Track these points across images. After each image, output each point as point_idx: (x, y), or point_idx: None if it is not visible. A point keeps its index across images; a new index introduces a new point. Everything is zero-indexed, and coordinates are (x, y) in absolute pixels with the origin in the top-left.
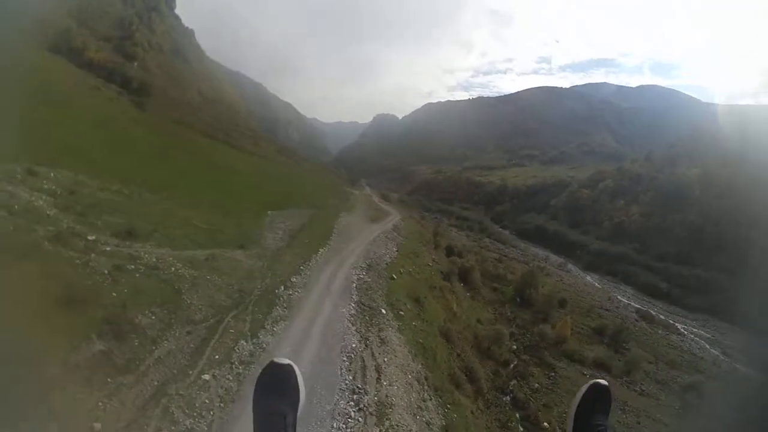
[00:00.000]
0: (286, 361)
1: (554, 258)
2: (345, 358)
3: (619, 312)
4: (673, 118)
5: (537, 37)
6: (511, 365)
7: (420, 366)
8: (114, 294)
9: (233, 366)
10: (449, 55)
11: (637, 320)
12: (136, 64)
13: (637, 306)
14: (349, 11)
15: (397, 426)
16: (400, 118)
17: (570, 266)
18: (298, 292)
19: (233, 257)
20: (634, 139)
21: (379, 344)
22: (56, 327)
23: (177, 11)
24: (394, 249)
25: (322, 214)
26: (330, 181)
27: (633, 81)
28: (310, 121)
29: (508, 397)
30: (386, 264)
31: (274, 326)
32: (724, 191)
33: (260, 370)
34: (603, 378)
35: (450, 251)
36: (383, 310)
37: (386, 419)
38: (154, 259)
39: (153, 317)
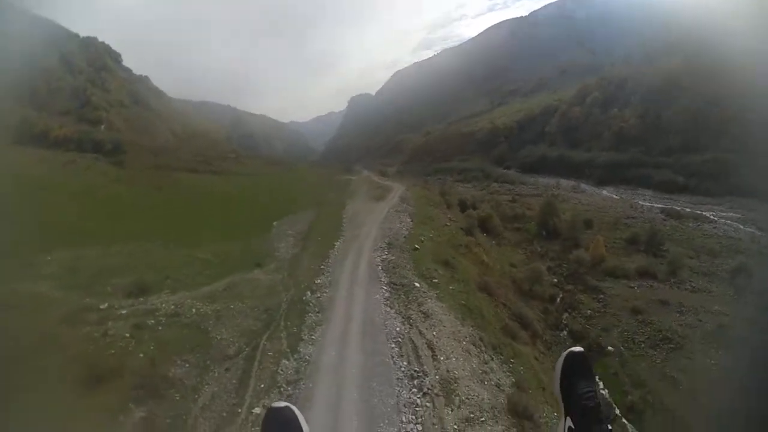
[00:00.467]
0: (284, 404)
1: (565, 183)
2: (393, 345)
3: (645, 217)
4: (642, 17)
5: None
6: (558, 299)
7: (471, 328)
8: (141, 354)
9: (281, 389)
10: (400, 19)
11: (665, 220)
12: (102, 126)
13: (660, 206)
14: (289, 10)
15: (468, 399)
16: (373, 94)
17: (583, 186)
18: (326, 292)
19: (252, 278)
20: (608, 46)
21: (423, 319)
22: (90, 409)
23: (125, 64)
24: (408, 220)
25: (327, 209)
26: (325, 176)
27: None
28: (289, 125)
29: (564, 332)
30: (405, 237)
31: (311, 334)
32: (711, 75)
33: (263, 418)
34: (576, 345)
35: (463, 206)
36: (416, 284)
37: (455, 395)
38: (173, 307)
39: (186, 365)
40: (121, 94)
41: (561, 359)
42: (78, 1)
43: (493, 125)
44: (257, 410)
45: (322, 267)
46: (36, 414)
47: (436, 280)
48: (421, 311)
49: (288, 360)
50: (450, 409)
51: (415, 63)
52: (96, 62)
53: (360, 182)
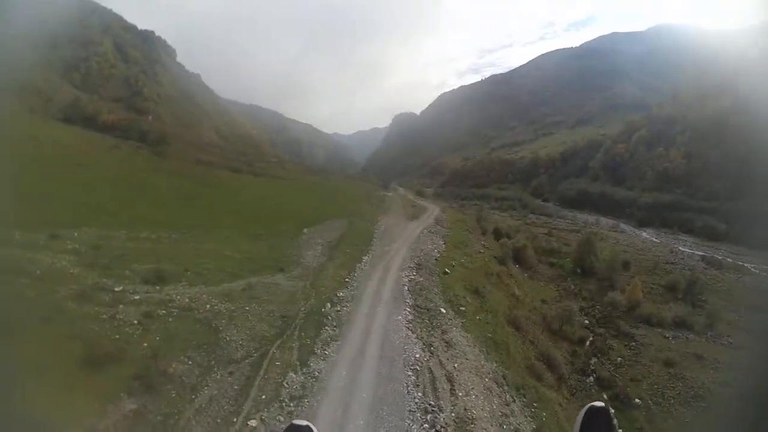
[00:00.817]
0: (305, 423)
1: (604, 221)
2: (410, 372)
3: (685, 263)
4: (692, 54)
5: (535, 2)
6: (587, 342)
7: (495, 364)
8: (145, 344)
9: (283, 404)
10: (451, 42)
11: (705, 268)
12: (150, 117)
13: (700, 253)
14: (342, 21)
15: None
16: (418, 113)
17: (622, 226)
18: (346, 306)
19: (272, 282)
20: (657, 83)
21: (445, 349)
22: (80, 392)
23: (179, 60)
24: (441, 242)
25: (359, 221)
26: (362, 189)
27: (641, 25)
28: (332, 137)
29: (591, 378)
30: (436, 259)
31: (325, 349)
32: (761, 117)
33: None
34: (599, 400)
35: (498, 234)
36: (442, 309)
37: None
38: (187, 300)
39: (189, 363)
40: (171, 88)
41: (582, 413)
42: None
43: (535, 155)
44: (253, 423)
45: (346, 280)
46: (21, 390)
47: (463, 308)
48: (444, 339)
49: (296, 373)
50: None
51: (461, 86)
52: (151, 55)
53: (395, 199)
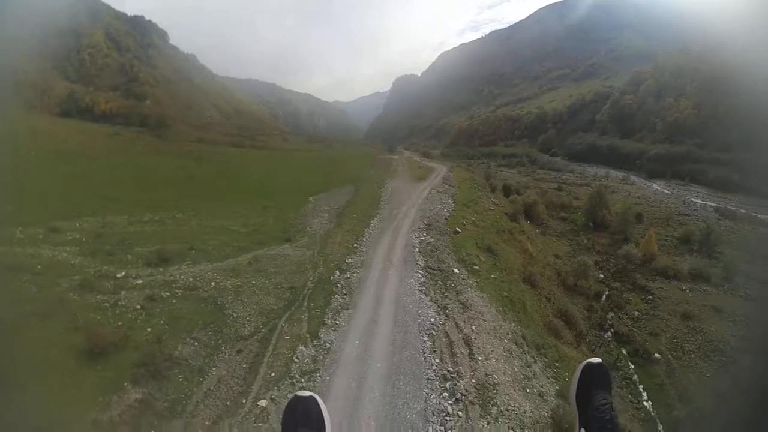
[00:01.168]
0: (308, 394)
1: (614, 173)
2: (426, 338)
3: (698, 215)
4: (701, 4)
5: None
6: (603, 296)
7: (513, 324)
8: (149, 329)
9: (294, 380)
10: (448, 0)
11: (719, 219)
12: (148, 101)
13: (714, 205)
14: None
15: (508, 411)
16: (419, 75)
17: (633, 178)
18: (356, 273)
19: (280, 253)
20: (663, 33)
21: (461, 310)
22: (83, 384)
23: (172, 42)
24: (450, 201)
25: (366, 186)
26: (367, 154)
27: None
28: (333, 105)
29: (609, 333)
30: (445, 219)
31: (336, 319)
32: None
33: (286, 404)
34: (595, 356)
35: (507, 191)
36: (456, 270)
37: (492, 405)
38: (191, 279)
39: (195, 344)
40: (167, 70)
41: (579, 369)
42: None
43: (541, 110)
44: (263, 403)
45: (355, 246)
46: (22, 388)
47: (477, 267)
48: (459, 301)
49: (306, 347)
50: (486, 421)
51: (462, 44)
52: (143, 40)
53: (402, 162)
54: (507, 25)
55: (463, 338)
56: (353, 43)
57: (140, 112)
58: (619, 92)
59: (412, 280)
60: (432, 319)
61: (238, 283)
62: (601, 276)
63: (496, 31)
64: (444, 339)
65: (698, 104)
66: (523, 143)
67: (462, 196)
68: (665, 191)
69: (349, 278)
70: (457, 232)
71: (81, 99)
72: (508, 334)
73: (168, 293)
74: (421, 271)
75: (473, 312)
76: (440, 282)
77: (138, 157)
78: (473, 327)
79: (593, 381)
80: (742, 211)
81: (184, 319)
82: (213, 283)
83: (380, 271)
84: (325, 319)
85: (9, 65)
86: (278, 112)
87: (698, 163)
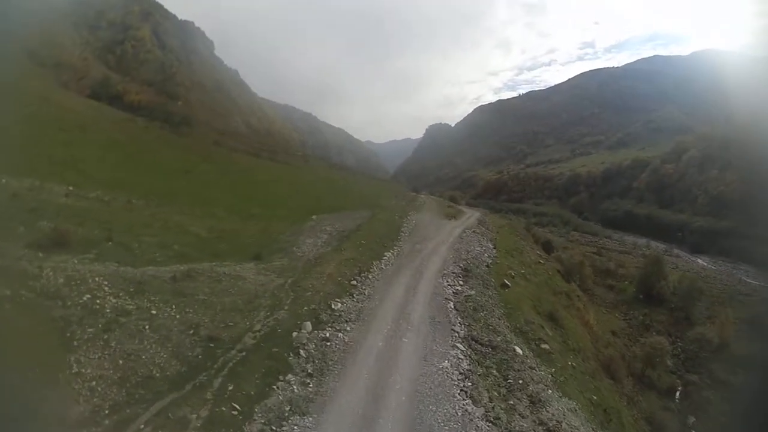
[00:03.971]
0: None
1: (655, 244)
2: None
3: (759, 295)
4: (736, 80)
5: (575, 23)
6: (677, 393)
7: None
8: None
9: None
10: (490, 58)
11: None
12: (180, 102)
13: None
14: (382, 29)
15: None
16: (452, 125)
17: (676, 251)
18: (343, 331)
19: (233, 273)
20: (701, 108)
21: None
22: None
23: (217, 54)
24: (490, 245)
25: (385, 214)
26: (390, 188)
27: (683, 50)
28: (364, 144)
29: None
30: (487, 266)
31: None
32: None
33: None
34: None
35: (548, 246)
36: (518, 349)
37: None
38: (62, 281)
39: None
40: (206, 78)
41: None
42: None
43: (574, 172)
44: None
45: (353, 282)
46: None
47: (546, 347)
48: (537, 421)
49: None
50: None
51: (498, 100)
52: (188, 44)
53: (428, 201)
54: (544, 87)
55: None
56: (391, 86)
57: (167, 108)
58: (660, 160)
59: (446, 363)
60: None
61: (130, 306)
62: (669, 363)
63: (533, 91)
64: None
65: (746, 179)
66: (553, 203)
67: (503, 242)
68: (712, 267)
69: (327, 341)
70: (506, 286)
71: (113, 86)
72: None
73: (9, 293)
74: (461, 345)
75: None
76: (495, 371)
77: (140, 143)
78: None
79: None
80: None
81: None
82: (86, 297)
83: (387, 335)
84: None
85: (55, 47)
86: (308, 141)
87: (746, 239)
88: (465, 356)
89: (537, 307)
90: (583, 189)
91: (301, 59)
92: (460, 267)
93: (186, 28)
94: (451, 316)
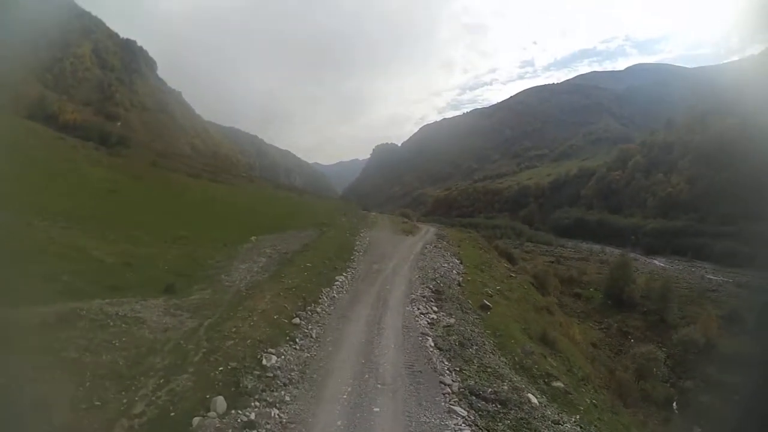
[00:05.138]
0: None
1: (610, 249)
2: None
3: (728, 291)
4: (671, 90)
5: (515, 43)
6: (674, 402)
7: None
8: None
9: None
10: (433, 78)
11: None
12: (119, 123)
13: (736, 280)
14: (326, 52)
15: None
16: (399, 145)
17: (632, 254)
18: (280, 404)
19: (129, 315)
20: (637, 118)
21: None
22: None
23: (160, 75)
24: (456, 261)
25: (335, 232)
26: (340, 205)
27: (618, 65)
28: (312, 165)
29: None
30: (459, 284)
31: None
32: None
33: None
34: None
35: (510, 258)
36: (531, 397)
37: None
38: None
39: None
40: (147, 98)
41: None
42: (125, 5)
43: (522, 185)
44: None
45: (296, 321)
46: None
47: (559, 384)
48: None
49: None
50: None
51: (444, 119)
52: (130, 64)
53: (380, 218)
54: (486, 105)
55: None
56: (337, 108)
57: (104, 128)
58: (607, 168)
59: None
60: None
61: None
62: (656, 371)
63: (477, 108)
64: None
65: (691, 178)
66: (504, 216)
67: (468, 256)
68: (668, 267)
69: (251, 428)
70: (487, 308)
71: (50, 105)
72: None
73: None
74: (460, 408)
75: None
76: None
77: (65, 162)
78: None
79: None
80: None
81: None
82: None
83: (349, 405)
84: None
85: None
86: (256, 163)
87: (699, 236)
88: (469, 425)
89: (527, 330)
90: (532, 200)
91: (246, 84)
92: (430, 289)
93: (128, 47)
94: (434, 359)
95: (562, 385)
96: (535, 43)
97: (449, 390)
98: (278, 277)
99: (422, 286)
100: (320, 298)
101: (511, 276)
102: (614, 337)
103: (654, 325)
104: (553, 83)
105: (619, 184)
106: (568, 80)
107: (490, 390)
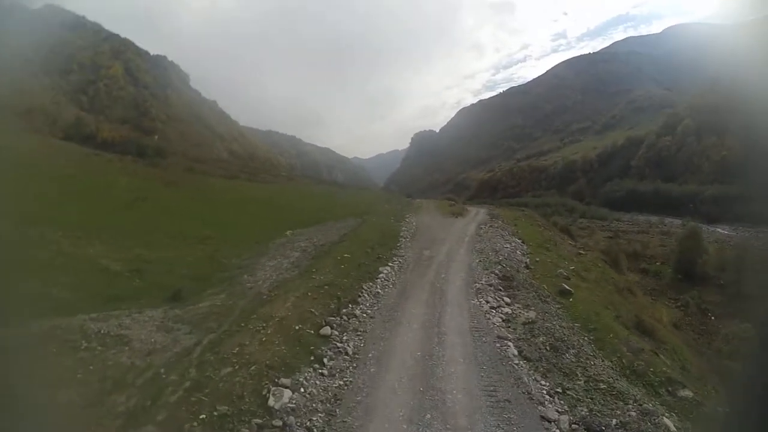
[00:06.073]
0: None
1: (669, 220)
2: None
3: None
4: (711, 50)
5: (544, 16)
6: None
7: None
8: None
9: None
10: (465, 62)
11: None
12: (156, 136)
13: None
14: (355, 49)
15: None
16: (437, 131)
17: (692, 224)
18: None
19: (113, 331)
20: (680, 81)
21: None
22: None
23: (193, 85)
24: (518, 240)
25: (378, 219)
26: (382, 195)
27: (654, 28)
28: (352, 160)
29: None
30: (527, 266)
31: None
32: None
33: None
34: None
35: (569, 234)
36: (669, 423)
37: None
38: None
39: None
40: (183, 110)
41: None
42: (156, 23)
43: (568, 160)
44: None
45: (325, 331)
46: None
47: (687, 393)
48: None
49: None
50: None
51: (479, 100)
52: (162, 79)
53: (425, 203)
54: (523, 82)
55: None
56: (370, 100)
57: (139, 143)
58: (655, 135)
59: None
60: None
61: None
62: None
63: (513, 87)
64: None
65: (742, 142)
66: (551, 194)
67: (529, 235)
68: (735, 234)
69: None
70: (567, 293)
71: (87, 126)
72: None
73: None
74: None
75: None
76: None
77: (98, 175)
78: None
79: None
80: None
81: None
82: None
83: None
84: None
85: (24, 93)
86: (297, 163)
87: (760, 203)
88: None
89: (621, 320)
90: (580, 175)
91: (278, 88)
92: (496, 274)
93: (159, 63)
94: (525, 378)
95: (691, 394)
96: (565, 14)
97: (557, 429)
98: (308, 273)
99: (486, 272)
100: (360, 296)
101: (580, 253)
102: (693, 316)
103: (735, 300)
104: (589, 53)
105: (670, 150)
106: (603, 49)
107: (615, 422)
